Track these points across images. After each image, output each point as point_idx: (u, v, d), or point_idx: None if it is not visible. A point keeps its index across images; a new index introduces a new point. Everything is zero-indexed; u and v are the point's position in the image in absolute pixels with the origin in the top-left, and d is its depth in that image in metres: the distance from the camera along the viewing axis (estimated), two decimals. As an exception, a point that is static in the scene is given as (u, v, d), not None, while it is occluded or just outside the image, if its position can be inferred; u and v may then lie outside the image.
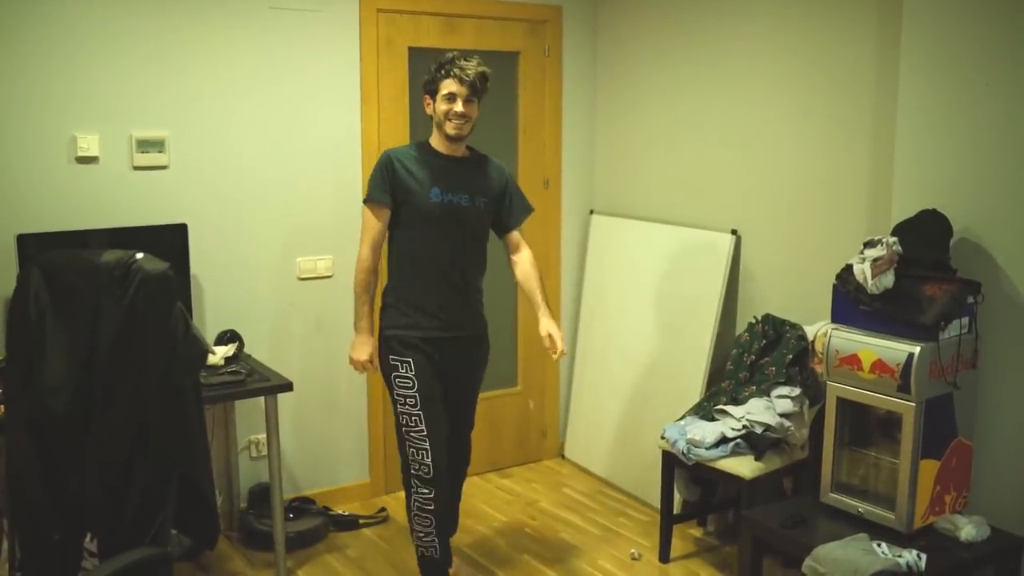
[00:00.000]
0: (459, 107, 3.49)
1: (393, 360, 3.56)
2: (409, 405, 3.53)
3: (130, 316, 2.29)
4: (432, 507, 3.53)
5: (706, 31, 4.49)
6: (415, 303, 3.57)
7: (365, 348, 3.61)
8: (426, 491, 3.53)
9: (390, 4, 4.50)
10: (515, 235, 3.81)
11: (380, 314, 3.66)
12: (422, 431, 3.51)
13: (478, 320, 3.73)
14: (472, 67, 3.49)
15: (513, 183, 3.82)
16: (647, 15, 4.82)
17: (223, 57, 4.13)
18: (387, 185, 3.54)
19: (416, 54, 4.57)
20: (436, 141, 3.61)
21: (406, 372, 3.54)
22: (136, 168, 3.99)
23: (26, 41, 3.72)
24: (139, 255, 2.34)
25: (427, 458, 3.51)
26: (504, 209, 3.75)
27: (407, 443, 3.55)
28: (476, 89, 3.51)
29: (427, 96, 3.58)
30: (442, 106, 3.51)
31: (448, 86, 3.49)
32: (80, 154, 3.85)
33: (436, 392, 3.56)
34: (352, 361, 3.64)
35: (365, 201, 3.60)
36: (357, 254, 3.61)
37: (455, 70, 3.48)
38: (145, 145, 3.98)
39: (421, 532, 3.58)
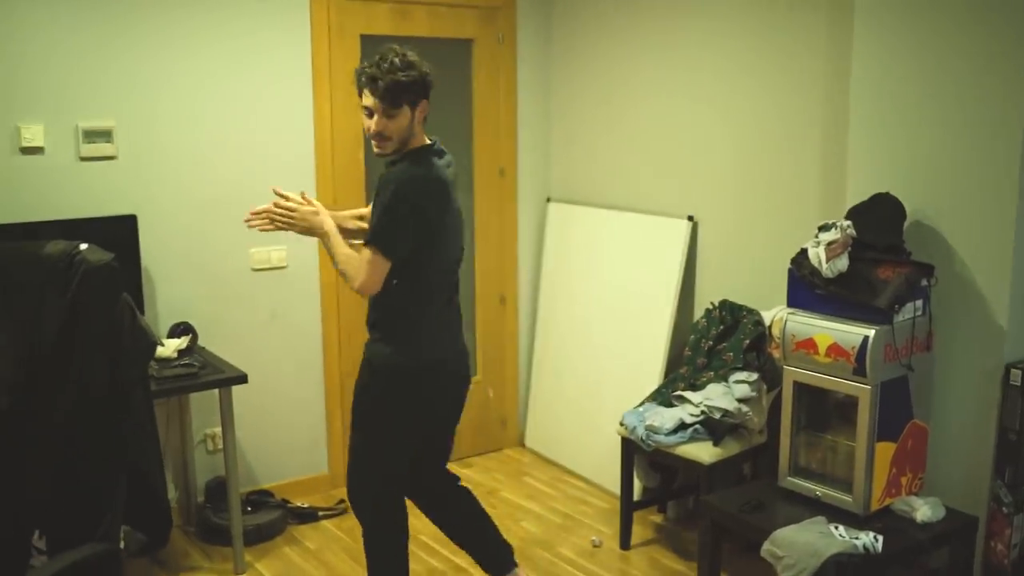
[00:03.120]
0: (372, 124, 3.02)
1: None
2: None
3: (74, 308, 2.25)
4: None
5: (660, 18, 4.48)
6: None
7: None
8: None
9: (342, -10, 4.45)
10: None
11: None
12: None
13: (370, 339, 3.21)
14: (383, 73, 2.95)
15: (384, 194, 3.02)
16: (601, 2, 4.81)
17: (172, 44, 4.06)
18: None
19: (368, 41, 4.52)
20: None
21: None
22: (83, 159, 3.91)
23: (-34, 29, 3.63)
24: (83, 246, 2.30)
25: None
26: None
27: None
28: (394, 99, 2.98)
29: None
30: (364, 121, 3.06)
31: (364, 98, 3.02)
32: (24, 145, 3.77)
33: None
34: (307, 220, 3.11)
35: None
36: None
37: (364, 78, 3.00)
38: (92, 135, 3.91)
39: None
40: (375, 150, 3.10)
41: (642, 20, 4.59)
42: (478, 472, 5.01)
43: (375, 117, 3.01)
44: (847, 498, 3.20)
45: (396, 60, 2.99)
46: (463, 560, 3.91)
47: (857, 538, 2.96)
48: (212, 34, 4.15)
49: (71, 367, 2.27)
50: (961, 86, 3.13)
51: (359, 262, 3.02)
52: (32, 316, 2.28)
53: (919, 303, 3.16)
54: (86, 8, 3.85)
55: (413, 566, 3.50)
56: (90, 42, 3.87)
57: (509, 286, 5.21)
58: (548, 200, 5.21)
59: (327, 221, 3.12)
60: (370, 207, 3.18)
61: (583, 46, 4.95)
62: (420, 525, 3.60)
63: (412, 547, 3.41)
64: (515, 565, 3.54)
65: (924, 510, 3.14)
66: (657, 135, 4.57)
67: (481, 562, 3.57)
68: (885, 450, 3.17)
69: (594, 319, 4.81)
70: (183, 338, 3.97)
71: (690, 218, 4.38)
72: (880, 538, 2.96)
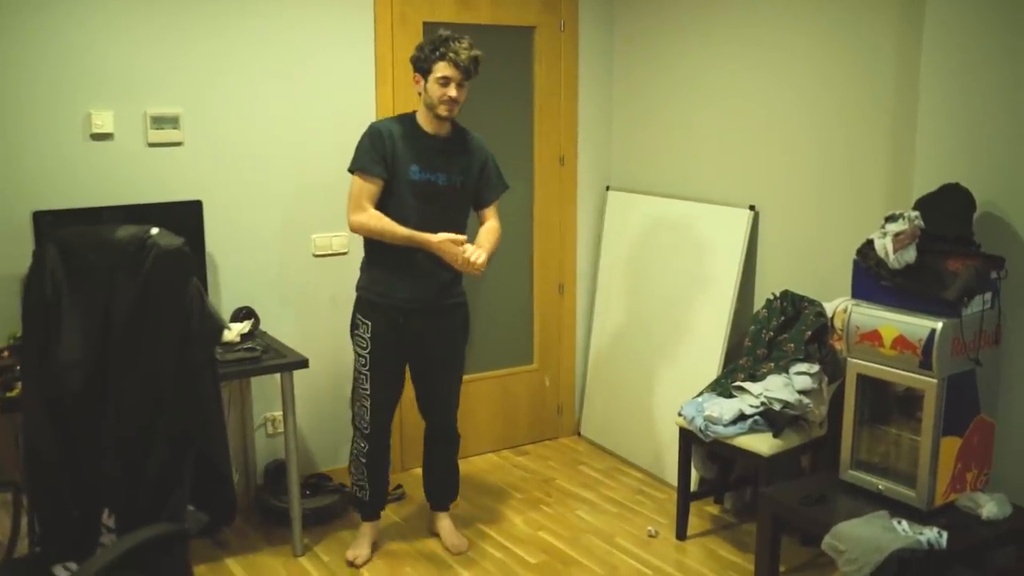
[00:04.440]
0: (453, 92, 3.56)
1: (357, 318, 3.80)
2: (360, 364, 3.80)
3: (145, 292, 2.28)
4: (365, 460, 3.90)
5: (724, 7, 4.43)
6: (388, 270, 3.71)
7: (437, 238, 3.60)
8: (363, 444, 3.88)
9: (404, -22, 4.47)
10: (487, 211, 3.89)
11: (359, 275, 3.83)
12: (366, 390, 3.80)
13: (449, 291, 3.79)
14: (465, 51, 3.53)
15: (492, 161, 3.87)
16: (664, -12, 4.77)
17: (237, 33, 4.10)
18: (379, 157, 3.62)
19: (431, 29, 4.49)
20: (423, 118, 3.70)
21: (364, 333, 3.77)
22: (151, 145, 3.97)
23: (40, 19, 3.70)
24: (154, 230, 2.32)
25: (367, 415, 3.83)
26: (481, 185, 3.83)
27: (354, 398, 3.87)
28: (469, 74, 3.57)
29: (417, 74, 3.65)
30: (436, 89, 3.56)
31: (442, 69, 3.54)
32: (95, 131, 3.84)
33: (391, 357, 3.80)
34: (452, 253, 3.60)
35: (355, 170, 3.65)
36: (353, 222, 3.65)
37: (450, 53, 3.52)
38: (160, 122, 3.97)
39: (355, 476, 3.96)
40: (444, 114, 3.60)
41: (706, 9, 4.54)
42: (533, 460, 5.02)
43: (451, 85, 3.54)
44: (910, 493, 3.15)
45: (468, 41, 3.58)
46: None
47: (921, 534, 2.92)
48: (277, 22, 4.19)
49: (141, 349, 2.31)
50: (1035, 74, 3.06)
51: (495, 227, 3.85)
52: (104, 299, 2.32)
53: (988, 296, 3.10)
54: (154, -4, 3.91)
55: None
56: (158, 30, 3.93)
57: (568, 275, 5.20)
58: (608, 188, 5.19)
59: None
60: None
61: (645, 34, 4.92)
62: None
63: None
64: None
65: (990, 507, 3.08)
66: (719, 124, 4.53)
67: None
68: (950, 445, 3.12)
69: (653, 308, 4.79)
70: (246, 322, 4.02)
71: (751, 207, 4.33)
72: (944, 534, 2.92)
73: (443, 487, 4.13)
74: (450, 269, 3.69)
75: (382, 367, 3.80)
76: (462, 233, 3.70)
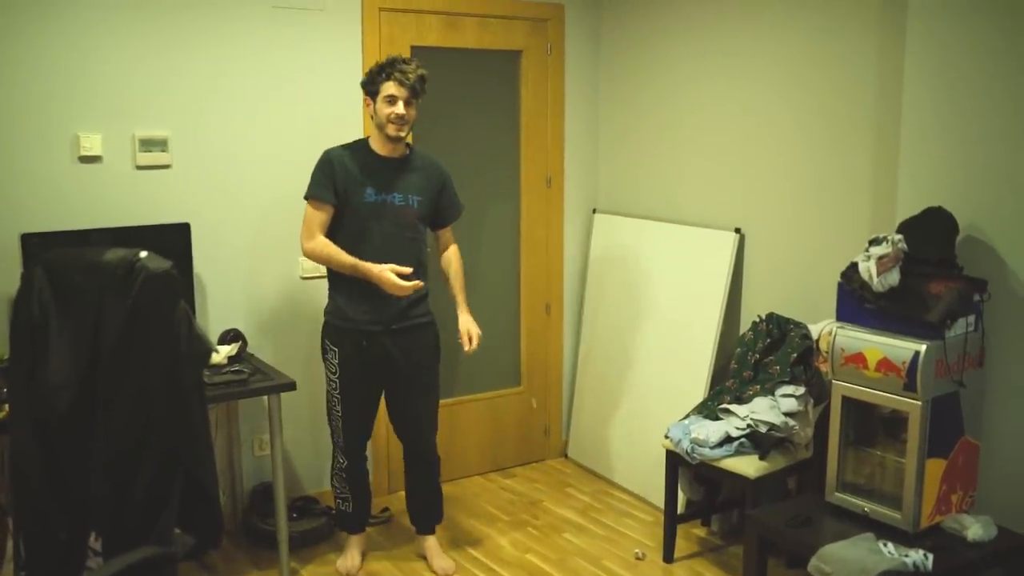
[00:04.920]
0: (400, 109, 3.67)
1: (325, 343, 3.92)
2: (332, 387, 3.91)
3: (133, 314, 2.28)
4: (346, 474, 4.00)
5: (709, 29, 4.48)
6: (347, 295, 3.79)
7: (384, 272, 3.65)
8: (342, 459, 3.99)
9: (392, 3, 4.50)
10: (445, 232, 4.03)
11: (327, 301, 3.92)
12: (339, 412, 3.93)
13: (410, 312, 3.84)
14: (412, 70, 3.67)
15: (450, 183, 3.97)
16: (650, 13, 4.82)
17: (226, 56, 4.12)
18: (329, 183, 3.72)
19: (419, 53, 4.56)
20: (375, 141, 3.80)
21: (332, 359, 3.88)
22: (139, 167, 3.98)
23: (29, 41, 3.71)
24: (143, 253, 2.33)
25: (342, 435, 3.95)
26: (439, 207, 3.93)
27: (330, 417, 3.98)
28: (416, 92, 3.69)
29: (367, 97, 3.76)
30: (384, 108, 3.68)
31: (388, 88, 3.67)
32: (83, 153, 3.85)
33: (360, 381, 3.88)
34: (389, 284, 3.65)
35: (307, 197, 3.76)
36: (304, 248, 3.76)
37: (395, 73, 3.65)
38: (148, 144, 3.98)
39: (338, 489, 4.05)
40: (393, 133, 3.70)
41: (690, 33, 4.59)
42: (520, 483, 5.01)
43: (398, 103, 3.66)
44: (896, 515, 3.17)
45: (414, 62, 3.71)
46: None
47: (907, 556, 2.93)
48: (265, 46, 4.21)
49: (130, 371, 2.31)
50: (1016, 98, 3.10)
51: (456, 252, 4.03)
52: (92, 321, 2.32)
53: (971, 319, 3.13)
54: (143, 20, 3.92)
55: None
56: (147, 53, 3.95)
57: (554, 296, 5.22)
58: (594, 211, 5.22)
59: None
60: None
61: (631, 58, 4.96)
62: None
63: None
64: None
65: (975, 529, 3.10)
66: (704, 147, 4.57)
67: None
68: (935, 467, 3.14)
69: (639, 331, 4.80)
70: (233, 345, 4.02)
71: (737, 230, 4.36)
72: (931, 556, 2.93)
73: (426, 509, 4.14)
74: (422, 277, 3.80)
75: (352, 390, 3.89)
76: (423, 252, 3.87)
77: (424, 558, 4.10)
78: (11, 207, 3.73)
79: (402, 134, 3.73)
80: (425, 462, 4.07)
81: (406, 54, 4.51)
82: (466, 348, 3.91)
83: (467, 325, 3.95)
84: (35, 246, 3.61)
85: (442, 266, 4.02)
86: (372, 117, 3.78)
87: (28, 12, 3.70)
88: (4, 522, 3.26)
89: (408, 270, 3.67)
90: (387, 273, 3.63)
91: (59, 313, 2.37)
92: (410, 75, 3.65)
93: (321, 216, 3.73)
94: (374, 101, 3.72)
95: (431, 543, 4.11)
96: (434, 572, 4.01)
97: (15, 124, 3.72)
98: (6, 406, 3.23)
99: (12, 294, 2.45)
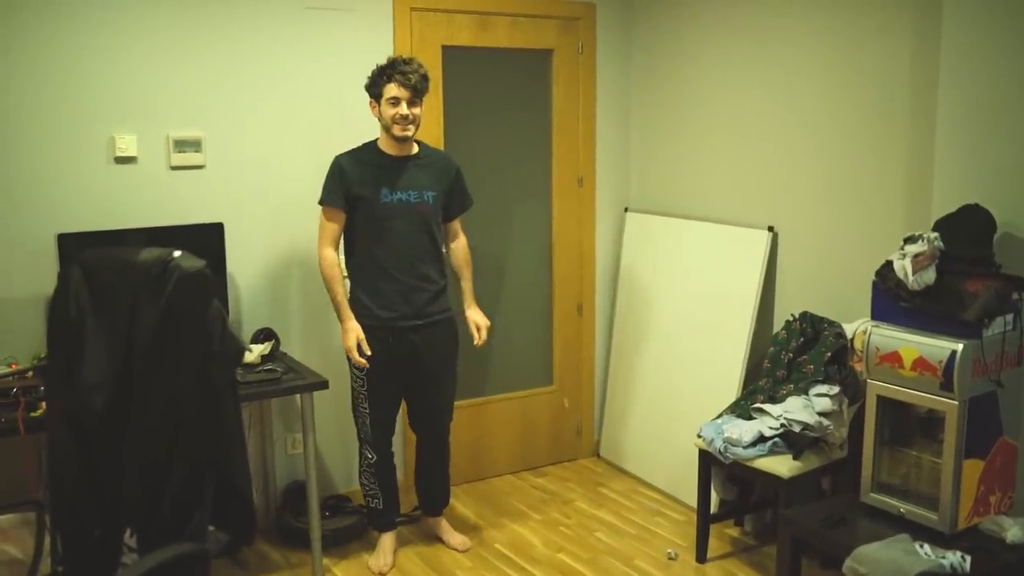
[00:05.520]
0: (403, 110, 3.75)
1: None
2: (358, 384, 3.97)
3: (167, 314, 2.30)
4: (374, 469, 4.04)
5: (741, 27, 4.45)
6: (372, 295, 3.88)
7: (352, 334, 3.84)
8: (370, 455, 4.03)
9: (424, 3, 4.50)
10: (454, 224, 4.12)
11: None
12: (366, 409, 3.98)
13: (432, 306, 3.94)
14: (413, 70, 3.74)
15: (460, 174, 4.06)
16: (681, 11, 4.79)
17: (259, 58, 4.15)
18: (339, 189, 3.81)
19: (450, 52, 4.57)
20: (384, 142, 3.88)
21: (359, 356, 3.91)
22: (173, 168, 4.01)
23: (65, 43, 3.76)
24: (176, 253, 2.35)
25: (369, 429, 4.00)
26: (450, 199, 4.02)
27: (356, 414, 4.03)
28: (418, 91, 3.77)
29: (372, 100, 3.83)
30: (388, 110, 3.77)
31: (391, 90, 3.75)
32: (118, 154, 3.89)
33: (386, 376, 3.93)
34: (346, 349, 3.86)
35: (321, 203, 3.87)
36: (318, 254, 3.88)
37: (397, 75, 3.73)
38: (182, 145, 4.01)
39: (367, 487, 4.09)
40: (399, 134, 3.78)
41: (723, 31, 4.56)
42: (552, 481, 5.01)
43: (401, 104, 3.73)
44: (932, 516, 3.13)
45: (415, 62, 3.78)
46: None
47: (944, 557, 2.90)
48: (297, 47, 4.23)
49: (163, 370, 2.33)
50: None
51: (465, 245, 4.16)
52: (127, 320, 2.35)
53: (1009, 317, 3.08)
54: (177, 23, 3.96)
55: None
56: (181, 55, 3.98)
57: (586, 295, 5.21)
58: (626, 210, 5.20)
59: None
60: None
61: (663, 56, 4.94)
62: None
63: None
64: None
65: (1015, 531, 3.05)
66: (737, 145, 4.54)
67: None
68: (973, 467, 3.10)
69: (671, 330, 4.78)
70: (266, 344, 4.04)
71: (770, 229, 4.33)
72: (968, 558, 2.89)
73: (439, 494, 4.32)
74: (431, 283, 3.92)
75: (379, 386, 3.95)
76: (440, 247, 4.00)
77: (440, 539, 4.27)
78: (48, 208, 3.78)
79: (408, 133, 3.80)
80: (440, 451, 4.21)
81: (436, 55, 4.54)
82: (476, 341, 4.06)
83: (475, 317, 4.10)
84: (71, 246, 3.65)
85: (451, 261, 4.13)
86: (378, 119, 3.84)
87: (65, 14, 3.74)
88: (42, 519, 3.31)
89: (365, 350, 3.81)
90: (351, 337, 3.81)
91: (95, 312, 2.40)
92: (411, 76, 3.72)
93: (333, 223, 3.85)
94: (378, 103, 3.81)
95: (444, 523, 4.32)
96: (455, 548, 4.21)
97: (51, 126, 3.77)
98: (43, 404, 3.27)
99: (49, 294, 2.48)
